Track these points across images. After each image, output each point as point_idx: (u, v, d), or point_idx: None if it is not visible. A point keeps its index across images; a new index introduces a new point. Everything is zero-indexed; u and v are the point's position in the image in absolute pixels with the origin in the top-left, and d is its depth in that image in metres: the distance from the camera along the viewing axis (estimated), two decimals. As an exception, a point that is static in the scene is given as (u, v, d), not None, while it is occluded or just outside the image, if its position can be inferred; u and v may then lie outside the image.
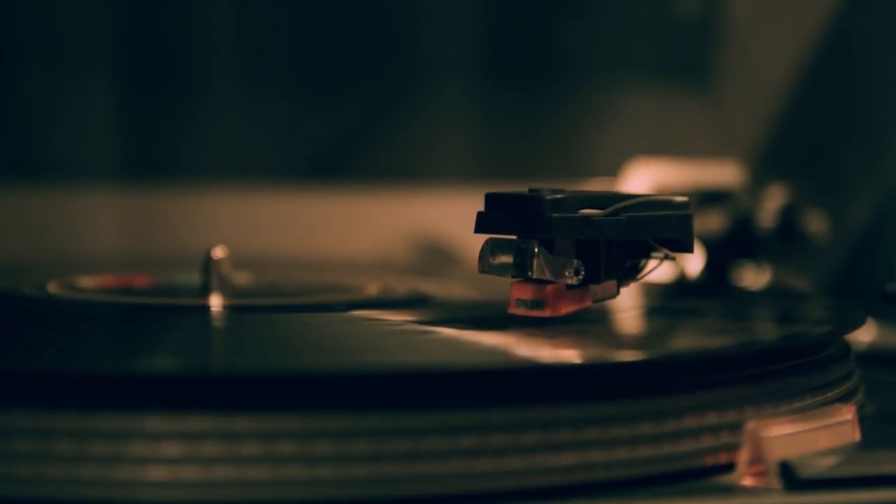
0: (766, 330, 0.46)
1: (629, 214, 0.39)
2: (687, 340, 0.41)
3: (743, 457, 0.34)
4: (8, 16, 0.75)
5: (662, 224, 0.40)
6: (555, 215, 0.38)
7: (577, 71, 0.81)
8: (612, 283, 0.41)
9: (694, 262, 0.60)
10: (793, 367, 0.37)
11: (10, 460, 0.30)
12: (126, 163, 0.76)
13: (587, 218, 0.38)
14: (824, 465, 0.33)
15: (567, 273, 0.39)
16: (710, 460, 0.34)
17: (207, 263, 0.47)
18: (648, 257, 0.41)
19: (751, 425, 0.34)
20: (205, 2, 0.77)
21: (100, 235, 0.75)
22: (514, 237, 0.39)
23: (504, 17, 0.81)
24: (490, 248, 0.39)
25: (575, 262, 0.39)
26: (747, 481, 0.33)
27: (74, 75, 0.75)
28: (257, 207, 0.77)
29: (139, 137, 0.76)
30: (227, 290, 0.47)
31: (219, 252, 0.47)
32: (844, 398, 0.39)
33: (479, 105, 0.80)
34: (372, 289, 0.51)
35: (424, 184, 0.79)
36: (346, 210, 0.78)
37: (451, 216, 0.73)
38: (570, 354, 0.36)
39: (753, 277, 0.61)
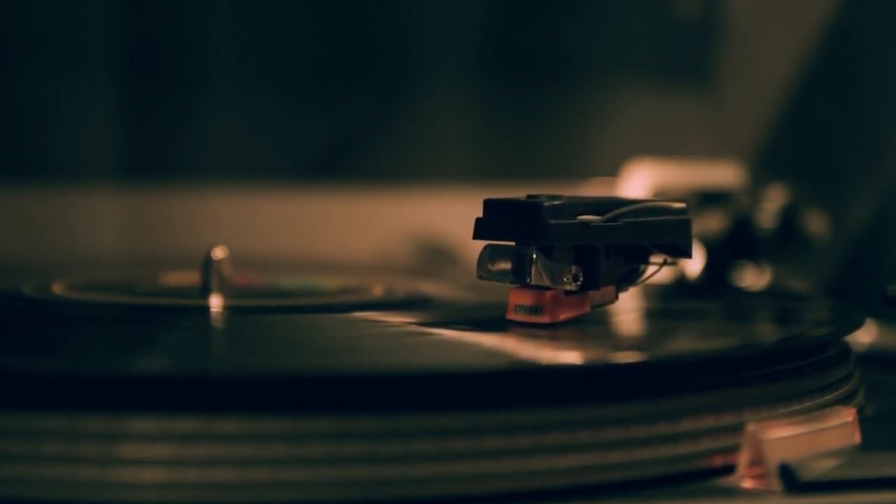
0: (766, 331, 0.46)
1: (627, 220, 0.39)
2: (687, 342, 0.41)
3: (743, 459, 0.34)
4: (8, 16, 0.75)
5: (660, 230, 0.40)
6: (553, 222, 0.38)
7: (577, 71, 0.81)
8: (610, 289, 0.41)
9: (694, 263, 0.60)
10: (793, 369, 0.37)
11: (6, 461, 0.30)
12: (126, 162, 0.76)
13: (585, 224, 0.38)
14: (825, 468, 0.33)
15: (565, 279, 0.39)
16: (710, 462, 0.34)
17: (207, 263, 0.47)
18: (647, 262, 0.41)
19: (751, 427, 0.34)
20: (205, 2, 0.77)
21: (100, 235, 0.75)
22: (512, 243, 0.39)
23: (504, 17, 0.81)
24: (489, 255, 0.39)
25: (573, 268, 0.39)
26: (747, 483, 0.33)
27: (75, 75, 0.75)
28: (257, 207, 0.77)
29: (139, 137, 0.76)
30: (227, 291, 0.47)
31: (219, 252, 0.47)
32: (845, 400, 0.39)
33: (479, 105, 0.80)
34: (372, 290, 0.51)
35: (424, 184, 0.79)
36: (346, 210, 0.78)
37: (451, 216, 0.73)
38: (569, 356, 0.36)
39: (753, 278, 0.61)
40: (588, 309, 0.40)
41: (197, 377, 0.32)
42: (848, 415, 0.36)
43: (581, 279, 0.39)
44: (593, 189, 0.72)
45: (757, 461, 0.34)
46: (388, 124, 0.79)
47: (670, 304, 0.51)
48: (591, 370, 0.34)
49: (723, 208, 0.62)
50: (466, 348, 0.37)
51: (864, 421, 0.37)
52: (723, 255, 0.61)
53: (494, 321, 0.40)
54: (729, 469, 0.34)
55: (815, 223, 0.62)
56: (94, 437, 0.30)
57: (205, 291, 0.47)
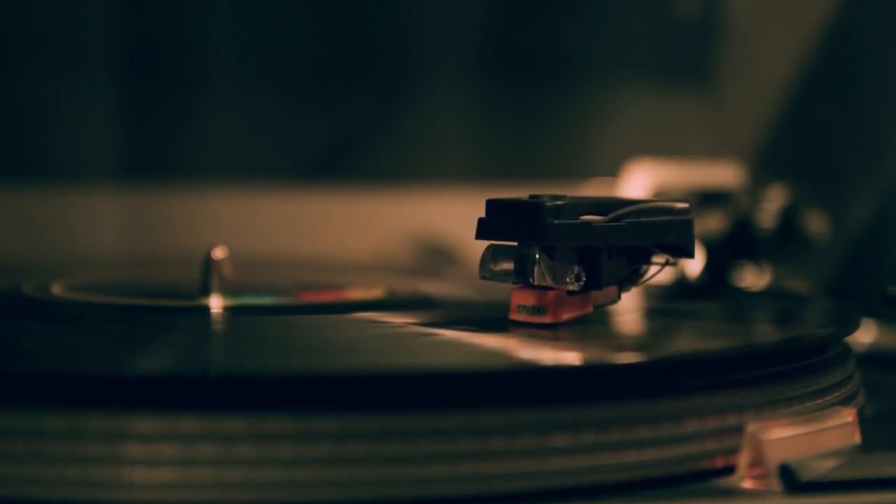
0: (766, 332, 0.46)
1: (630, 220, 0.39)
2: (687, 342, 0.41)
3: (743, 459, 0.34)
4: (8, 16, 0.75)
5: (663, 230, 0.40)
6: (555, 222, 0.38)
7: (577, 71, 0.81)
8: (613, 289, 0.41)
9: (694, 264, 0.60)
10: (793, 370, 0.37)
11: (4, 461, 0.30)
12: (126, 163, 0.76)
13: (588, 224, 0.38)
14: (824, 468, 0.33)
15: (568, 279, 0.39)
16: (710, 463, 0.34)
17: (207, 263, 0.47)
18: (649, 263, 0.41)
19: (751, 428, 0.34)
20: (205, 2, 0.77)
21: (100, 235, 0.75)
22: (514, 244, 0.39)
23: (504, 17, 0.81)
24: (491, 255, 0.39)
25: (576, 268, 0.39)
26: (748, 484, 0.33)
27: (75, 75, 0.75)
28: (257, 207, 0.77)
29: (139, 137, 0.76)
30: (227, 291, 0.47)
31: (219, 252, 0.47)
32: (845, 400, 0.39)
33: (479, 105, 0.80)
34: (372, 290, 0.51)
35: (424, 184, 0.79)
36: (346, 210, 0.78)
37: (451, 216, 0.73)
38: (569, 356, 0.36)
39: (753, 278, 0.61)
40: (590, 309, 0.40)
41: (198, 377, 0.32)
42: (848, 415, 0.36)
43: (583, 279, 0.39)
44: (593, 189, 0.72)
45: (757, 461, 0.34)
46: (388, 124, 0.79)
47: (671, 304, 0.51)
48: (592, 370, 0.35)
49: (723, 208, 0.62)
50: (468, 349, 0.37)
51: (864, 421, 0.37)
52: (723, 256, 0.61)
53: (496, 321, 0.40)
54: (729, 469, 0.34)
55: (815, 223, 0.62)
56: (93, 437, 0.30)
57: (205, 291, 0.47)
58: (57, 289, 0.50)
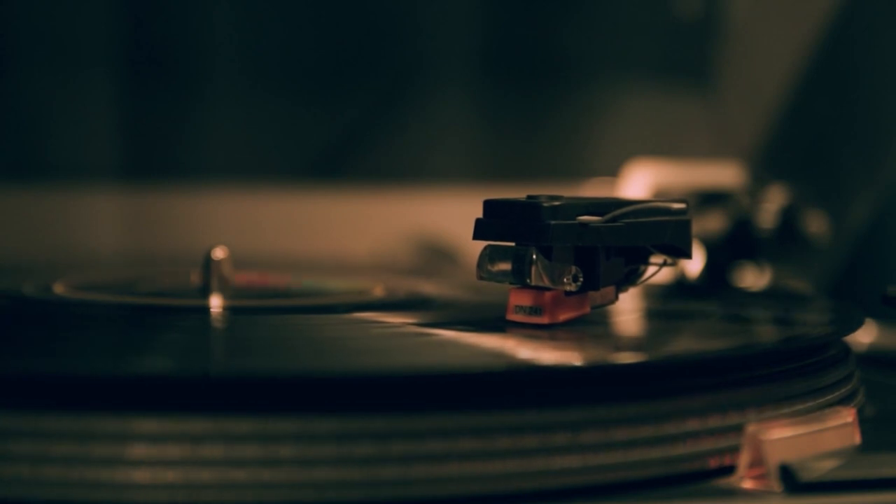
0: (766, 332, 0.46)
1: (627, 221, 0.39)
2: (687, 342, 0.41)
3: (743, 460, 0.34)
4: (8, 16, 0.75)
5: (660, 230, 0.40)
6: (553, 222, 0.38)
7: (577, 71, 0.81)
8: (610, 290, 0.41)
9: (694, 264, 0.60)
10: (793, 370, 0.37)
11: (5, 462, 0.30)
12: (126, 163, 0.76)
13: (585, 225, 0.38)
14: (825, 468, 0.33)
15: (565, 280, 0.39)
16: (710, 463, 0.34)
17: (207, 264, 0.47)
18: (647, 263, 0.41)
19: (751, 428, 0.34)
20: (205, 2, 0.77)
21: (100, 235, 0.75)
22: (512, 244, 0.39)
23: (504, 17, 0.81)
24: (488, 255, 0.39)
25: (573, 268, 0.39)
26: (747, 484, 0.33)
27: (74, 75, 0.75)
28: (257, 207, 0.77)
29: (139, 137, 0.76)
30: (228, 291, 0.47)
31: (219, 252, 0.47)
32: (845, 400, 0.39)
33: (479, 105, 0.80)
34: (371, 290, 0.51)
35: (424, 184, 0.79)
36: (346, 210, 0.78)
37: (451, 216, 0.73)
38: (569, 357, 0.36)
39: (753, 278, 0.61)
40: (588, 309, 0.40)
41: (198, 378, 0.32)
42: (848, 415, 0.36)
43: (581, 280, 0.39)
44: (593, 189, 0.73)
45: (757, 462, 0.34)
46: (389, 124, 0.79)
47: (670, 304, 0.51)
48: (590, 371, 0.34)
49: (723, 208, 0.62)
50: (466, 349, 0.37)
51: (864, 422, 0.37)
52: (723, 256, 0.61)
53: (494, 322, 0.40)
54: (729, 470, 0.34)
55: (815, 223, 0.62)
56: (89, 438, 0.30)
57: (205, 291, 0.47)
58: (57, 289, 0.50)
